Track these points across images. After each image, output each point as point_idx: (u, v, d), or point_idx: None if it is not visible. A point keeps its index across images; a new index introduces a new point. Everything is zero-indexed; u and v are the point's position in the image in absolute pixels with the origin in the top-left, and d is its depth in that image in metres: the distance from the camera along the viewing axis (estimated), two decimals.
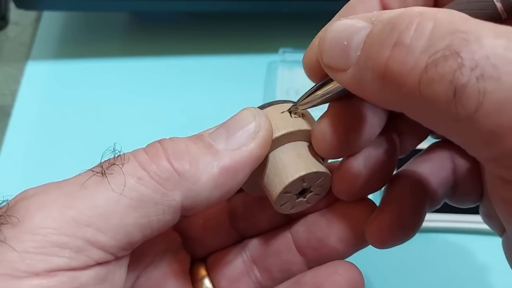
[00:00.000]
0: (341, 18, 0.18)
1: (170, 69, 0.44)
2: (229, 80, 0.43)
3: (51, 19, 0.47)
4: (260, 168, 0.21)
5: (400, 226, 0.22)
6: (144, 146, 0.20)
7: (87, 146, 0.39)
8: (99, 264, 0.18)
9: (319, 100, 0.21)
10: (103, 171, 0.18)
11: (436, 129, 0.16)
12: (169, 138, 0.20)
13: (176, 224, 0.25)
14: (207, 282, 0.25)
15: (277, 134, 0.21)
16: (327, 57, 0.18)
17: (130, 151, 0.19)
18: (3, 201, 0.18)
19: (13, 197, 0.19)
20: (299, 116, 0.22)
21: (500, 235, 0.24)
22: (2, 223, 0.17)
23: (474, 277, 0.33)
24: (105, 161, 0.19)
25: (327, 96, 0.20)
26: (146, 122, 0.41)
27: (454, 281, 0.33)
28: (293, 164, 0.21)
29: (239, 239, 0.25)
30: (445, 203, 0.35)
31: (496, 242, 0.34)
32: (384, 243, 0.22)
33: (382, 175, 0.22)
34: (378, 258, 0.34)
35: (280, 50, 0.42)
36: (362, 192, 0.22)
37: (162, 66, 0.44)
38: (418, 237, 0.34)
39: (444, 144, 0.24)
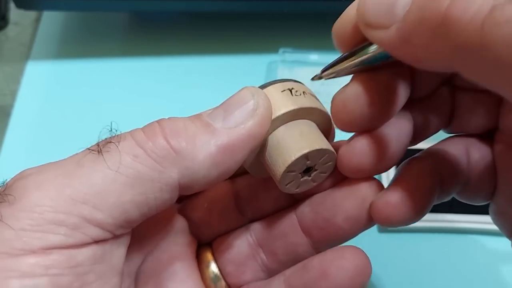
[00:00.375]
0: None
1: (170, 69, 0.44)
2: (229, 80, 0.43)
3: (51, 19, 0.47)
4: (263, 149, 0.21)
5: (410, 205, 0.21)
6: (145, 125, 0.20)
7: (87, 146, 0.39)
8: (96, 242, 0.18)
9: (345, 70, 0.20)
10: (99, 149, 0.19)
11: (497, 87, 0.15)
12: (168, 118, 0.20)
13: (182, 207, 0.25)
14: (213, 266, 0.25)
15: (277, 113, 0.21)
16: (369, 14, 0.17)
17: (128, 131, 0.20)
18: (2, 182, 0.19)
19: (11, 177, 0.19)
20: (300, 94, 0.21)
21: (509, 237, 0.23)
22: (1, 203, 0.17)
23: (475, 277, 0.33)
24: (102, 140, 0.19)
25: (355, 66, 0.20)
26: (146, 122, 0.41)
27: (455, 281, 0.33)
28: (295, 142, 0.21)
29: (245, 222, 0.25)
30: (445, 202, 0.35)
31: (497, 242, 0.34)
32: (388, 220, 0.21)
33: (392, 155, 0.21)
34: (379, 258, 0.34)
35: (280, 50, 0.42)
36: (371, 170, 0.21)
37: (162, 66, 0.44)
38: (419, 237, 0.34)
39: (459, 137, 0.23)
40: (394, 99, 0.20)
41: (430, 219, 0.34)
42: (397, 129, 0.21)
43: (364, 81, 0.20)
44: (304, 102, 0.21)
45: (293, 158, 0.20)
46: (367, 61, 0.19)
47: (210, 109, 0.21)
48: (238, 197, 0.25)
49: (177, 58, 0.44)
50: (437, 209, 0.35)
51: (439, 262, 0.34)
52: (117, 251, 0.19)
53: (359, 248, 0.22)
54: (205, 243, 0.25)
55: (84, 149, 0.19)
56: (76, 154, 0.19)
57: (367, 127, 0.21)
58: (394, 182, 0.22)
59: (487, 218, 0.34)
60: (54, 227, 0.17)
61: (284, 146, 0.21)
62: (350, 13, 0.19)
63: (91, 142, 0.39)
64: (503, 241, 0.34)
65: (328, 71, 0.21)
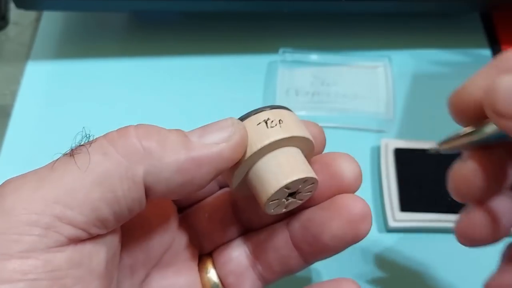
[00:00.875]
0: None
1: (170, 69, 0.44)
2: (229, 80, 0.43)
3: (51, 19, 0.47)
4: (246, 178, 0.22)
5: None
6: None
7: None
8: (72, 243, 0.18)
9: (461, 146, 0.23)
10: (71, 152, 0.19)
11: None
12: (147, 125, 0.21)
13: (183, 218, 0.26)
14: (213, 275, 0.25)
15: (253, 149, 0.21)
16: (500, 104, 0.19)
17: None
18: None
19: None
20: (276, 125, 0.22)
21: None
22: None
23: (474, 277, 0.33)
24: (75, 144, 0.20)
25: (473, 142, 0.22)
26: (146, 122, 0.41)
27: (455, 281, 0.33)
28: (274, 175, 0.22)
29: (243, 231, 0.26)
30: (445, 202, 0.35)
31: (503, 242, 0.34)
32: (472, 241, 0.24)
33: (505, 225, 0.24)
34: (379, 258, 0.34)
35: (280, 50, 0.42)
36: (489, 240, 0.24)
37: (162, 66, 0.44)
38: (420, 237, 0.34)
39: None
40: (506, 175, 0.22)
41: (431, 219, 0.34)
42: (507, 201, 0.24)
43: (481, 158, 0.22)
44: (278, 134, 0.22)
45: (272, 192, 0.21)
46: (484, 139, 0.21)
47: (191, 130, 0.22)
48: (236, 207, 0.26)
49: (177, 58, 0.44)
50: (438, 209, 0.35)
51: (439, 262, 0.34)
52: (96, 254, 0.20)
53: (354, 282, 0.24)
54: (205, 254, 0.26)
55: (60, 155, 0.20)
56: (53, 160, 0.20)
57: (482, 199, 0.23)
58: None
59: None
60: (28, 228, 0.18)
61: (264, 180, 0.22)
62: (471, 89, 0.21)
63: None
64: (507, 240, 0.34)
65: (445, 146, 0.24)
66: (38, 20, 0.47)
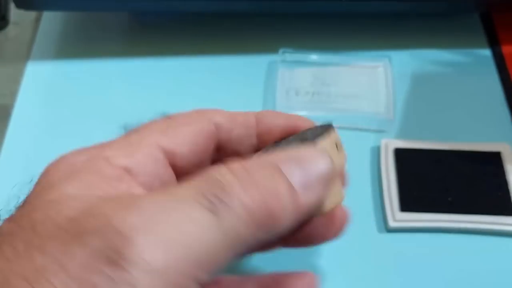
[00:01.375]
0: None
1: (171, 69, 0.44)
2: (229, 80, 0.43)
3: (51, 19, 0.47)
4: None
5: None
6: (228, 168, 0.20)
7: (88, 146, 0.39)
8: None
9: None
10: (211, 207, 0.18)
11: None
12: (255, 163, 0.20)
13: None
14: None
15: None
16: None
17: (230, 184, 0.19)
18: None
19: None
20: (341, 145, 0.24)
21: None
22: (124, 263, 0.16)
23: (474, 276, 0.34)
24: (209, 189, 0.19)
25: None
26: (147, 121, 0.41)
27: (454, 280, 0.33)
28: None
29: None
30: (445, 202, 0.35)
31: (498, 242, 0.34)
32: None
33: None
34: (378, 258, 0.34)
35: (280, 51, 0.43)
36: None
37: (162, 66, 0.44)
38: (419, 237, 0.35)
39: None
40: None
41: (431, 219, 0.35)
42: None
43: None
44: (342, 158, 0.24)
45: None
46: None
47: (282, 156, 0.21)
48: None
49: (177, 58, 0.45)
50: (438, 209, 0.35)
51: (439, 261, 0.34)
52: None
53: (315, 276, 0.24)
54: None
55: (195, 202, 0.18)
56: (187, 205, 0.18)
57: None
58: None
59: (488, 218, 0.34)
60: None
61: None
62: None
63: (92, 142, 0.39)
64: (504, 240, 0.34)
65: None
66: (38, 20, 0.47)
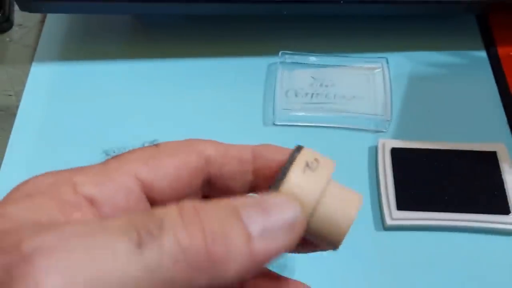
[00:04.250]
0: None
1: (173, 72, 0.44)
2: (230, 82, 0.44)
3: (55, 22, 0.48)
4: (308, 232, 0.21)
5: None
6: (183, 215, 0.18)
7: (91, 147, 0.40)
8: None
9: None
10: (139, 241, 0.17)
11: None
12: (202, 208, 0.19)
13: None
14: None
15: (312, 203, 0.21)
16: None
17: (168, 218, 0.18)
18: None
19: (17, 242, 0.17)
20: (317, 166, 0.22)
21: None
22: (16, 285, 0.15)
23: (474, 276, 0.34)
24: (141, 224, 0.17)
25: None
26: (149, 123, 0.41)
27: (453, 279, 0.34)
28: (341, 210, 0.21)
29: None
30: (444, 200, 0.36)
31: (494, 241, 0.35)
32: None
33: None
34: (377, 256, 0.35)
35: (280, 52, 0.43)
36: None
37: (164, 69, 0.45)
38: (418, 236, 0.35)
39: None
40: None
41: (427, 217, 0.35)
42: None
43: None
44: (322, 176, 0.21)
45: (351, 222, 0.21)
46: None
47: (246, 201, 0.19)
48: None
49: (179, 60, 0.45)
50: (433, 208, 0.35)
51: (435, 259, 0.34)
52: None
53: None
54: None
55: (121, 233, 0.17)
56: (112, 237, 0.17)
57: None
58: None
59: (484, 217, 0.35)
60: None
61: (334, 218, 0.21)
62: None
63: (95, 143, 0.40)
64: (499, 238, 0.35)
65: None
66: (42, 22, 0.48)
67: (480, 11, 0.46)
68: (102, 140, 0.40)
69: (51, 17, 0.48)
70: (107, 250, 0.16)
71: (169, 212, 0.18)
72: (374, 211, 0.36)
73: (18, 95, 0.43)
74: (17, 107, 0.42)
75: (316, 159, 0.22)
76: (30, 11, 0.42)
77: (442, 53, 0.45)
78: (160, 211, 0.18)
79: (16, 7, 0.48)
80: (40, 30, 0.47)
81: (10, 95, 0.44)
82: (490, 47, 0.45)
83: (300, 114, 0.41)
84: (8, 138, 0.40)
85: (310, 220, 0.21)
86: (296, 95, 0.42)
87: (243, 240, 0.18)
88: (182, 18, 0.48)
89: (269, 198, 0.20)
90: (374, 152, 0.39)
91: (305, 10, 0.42)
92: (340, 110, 0.41)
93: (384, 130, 0.40)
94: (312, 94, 0.42)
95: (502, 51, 0.45)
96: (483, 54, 0.45)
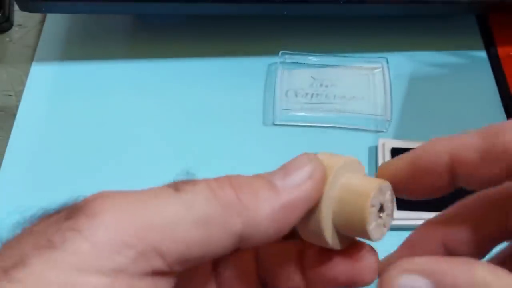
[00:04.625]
0: (403, 268, 0.19)
1: (173, 71, 0.44)
2: (231, 81, 0.44)
3: (55, 22, 0.48)
4: (320, 211, 0.21)
5: None
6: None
7: (91, 147, 0.40)
8: (153, 274, 0.19)
9: None
10: (175, 186, 0.19)
11: None
12: (234, 175, 0.21)
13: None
14: None
15: (334, 168, 0.21)
16: None
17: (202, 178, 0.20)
18: (79, 197, 0.19)
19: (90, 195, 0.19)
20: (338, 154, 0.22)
21: None
22: (79, 213, 0.18)
23: None
24: (179, 180, 0.20)
25: None
26: (150, 122, 0.41)
27: None
28: (365, 181, 0.21)
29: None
30: (441, 200, 0.36)
31: None
32: None
33: None
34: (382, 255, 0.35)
35: (280, 52, 0.43)
36: None
37: (165, 68, 0.45)
38: None
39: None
40: None
41: (426, 218, 0.35)
42: None
43: None
44: (342, 157, 0.22)
45: (375, 190, 0.21)
46: None
47: (269, 172, 0.21)
48: (301, 258, 0.24)
49: (180, 60, 0.45)
50: (432, 208, 0.35)
51: None
52: None
53: None
54: None
55: (163, 185, 0.20)
56: (155, 187, 0.20)
57: None
58: None
59: None
60: (125, 249, 0.18)
61: (356, 188, 0.21)
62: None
63: (96, 143, 0.40)
64: None
65: None
66: (42, 22, 0.48)
67: (480, 11, 0.46)
68: (102, 140, 0.40)
69: (51, 17, 0.48)
70: (151, 193, 0.19)
71: (202, 178, 0.20)
72: None
73: (18, 95, 0.43)
74: (17, 107, 0.42)
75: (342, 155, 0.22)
76: (30, 11, 0.42)
77: (442, 53, 0.45)
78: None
79: (16, 7, 0.48)
80: (40, 30, 0.47)
81: (10, 95, 0.44)
82: (490, 47, 0.45)
83: (300, 114, 0.41)
84: (8, 138, 0.41)
85: (329, 201, 0.21)
86: (296, 95, 0.42)
87: (268, 187, 0.20)
88: (182, 18, 0.48)
89: (289, 161, 0.21)
90: (374, 152, 0.39)
91: (305, 10, 0.42)
92: (340, 110, 0.41)
93: (384, 130, 0.40)
94: (312, 94, 0.42)
95: (502, 51, 0.45)
96: (483, 54, 0.45)
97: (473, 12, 0.46)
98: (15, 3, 0.45)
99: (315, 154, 0.22)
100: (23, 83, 0.44)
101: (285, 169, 0.21)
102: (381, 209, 0.21)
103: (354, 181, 0.21)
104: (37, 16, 0.48)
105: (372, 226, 0.21)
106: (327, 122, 0.41)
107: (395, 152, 0.38)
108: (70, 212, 0.18)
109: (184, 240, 0.19)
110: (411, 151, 0.23)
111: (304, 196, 0.20)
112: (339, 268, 0.22)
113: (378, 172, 0.24)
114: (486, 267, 0.18)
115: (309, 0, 0.41)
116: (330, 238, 0.21)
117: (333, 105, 0.41)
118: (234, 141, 0.40)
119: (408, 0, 0.42)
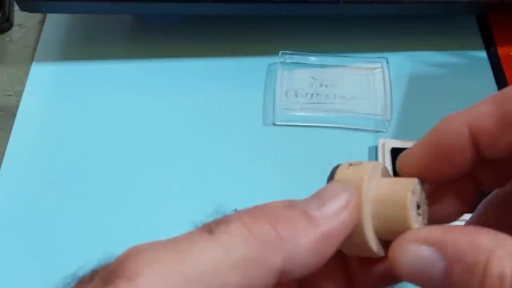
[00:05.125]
0: (410, 238, 0.19)
1: (173, 71, 0.44)
2: (230, 82, 0.44)
3: (55, 22, 0.48)
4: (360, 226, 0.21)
5: None
6: (245, 210, 0.20)
7: (91, 146, 0.40)
8: None
9: None
10: (210, 229, 0.19)
11: None
12: (267, 203, 0.20)
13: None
14: None
15: (364, 183, 0.21)
16: (407, 274, 0.19)
17: (233, 213, 0.20)
18: (110, 257, 0.19)
19: (121, 253, 0.19)
20: (359, 163, 0.22)
21: None
22: (117, 277, 0.17)
23: None
24: (211, 221, 0.19)
25: None
26: (149, 123, 0.41)
27: None
28: (397, 188, 0.21)
29: None
30: None
31: None
32: None
33: None
34: None
35: (280, 52, 0.43)
36: None
37: (165, 68, 0.45)
38: None
39: None
40: None
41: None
42: None
43: None
44: (367, 166, 0.22)
45: (409, 197, 0.21)
46: None
47: (301, 200, 0.21)
48: (348, 272, 0.24)
49: (179, 60, 0.45)
50: None
51: None
52: None
53: None
54: None
55: (195, 228, 0.19)
56: (188, 232, 0.19)
57: None
58: None
59: None
60: None
61: (393, 197, 0.21)
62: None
63: (96, 143, 0.40)
64: None
65: None
66: (42, 22, 0.48)
67: (480, 11, 0.46)
68: (102, 140, 0.40)
69: (51, 17, 0.48)
70: (185, 240, 0.18)
71: (234, 214, 0.19)
72: None
73: (18, 95, 0.43)
74: (17, 107, 0.42)
75: (358, 162, 0.22)
76: (30, 11, 0.42)
77: (442, 53, 0.45)
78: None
79: (16, 7, 0.48)
80: (40, 30, 0.47)
81: (10, 95, 0.44)
82: (490, 47, 0.45)
83: (300, 114, 0.41)
84: (8, 138, 0.41)
85: (367, 215, 0.21)
86: (296, 95, 0.42)
87: (305, 219, 0.19)
88: (182, 18, 0.48)
89: (320, 189, 0.21)
90: (374, 152, 0.39)
91: (305, 10, 0.42)
92: (340, 110, 0.41)
93: (384, 130, 0.40)
94: (312, 94, 0.42)
95: (502, 51, 0.45)
96: (483, 54, 0.45)
97: (473, 12, 0.46)
98: (15, 3, 0.45)
99: (338, 166, 0.22)
100: (23, 83, 0.44)
101: (320, 198, 0.21)
102: (418, 206, 0.22)
103: (387, 191, 0.21)
104: (37, 16, 0.49)
105: (416, 226, 0.21)
106: (327, 122, 0.41)
107: (395, 152, 0.38)
108: (106, 277, 0.17)
109: (226, 285, 0.18)
110: (424, 136, 0.23)
111: (342, 225, 0.20)
112: (384, 263, 0.23)
113: (398, 167, 0.23)
114: (492, 235, 0.18)
115: (309, 0, 0.41)
116: (376, 249, 0.22)
117: (333, 105, 0.41)
118: (234, 141, 0.40)
119: (408, 0, 0.42)
